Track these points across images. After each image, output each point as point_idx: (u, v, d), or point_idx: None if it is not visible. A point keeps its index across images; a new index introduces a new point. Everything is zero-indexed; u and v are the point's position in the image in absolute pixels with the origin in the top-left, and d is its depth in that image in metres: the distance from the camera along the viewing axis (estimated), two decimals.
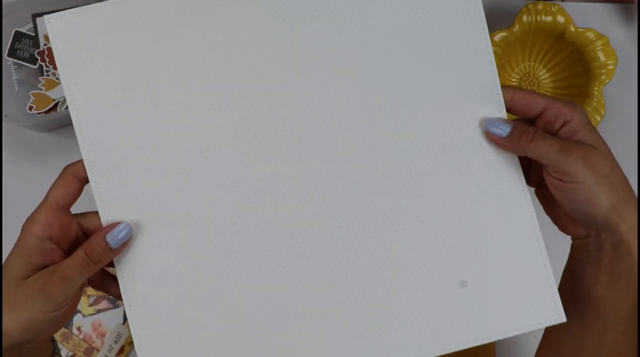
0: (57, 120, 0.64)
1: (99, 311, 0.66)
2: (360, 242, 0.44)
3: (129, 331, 0.65)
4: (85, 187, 0.43)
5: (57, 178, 0.41)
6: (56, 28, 0.44)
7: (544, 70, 0.65)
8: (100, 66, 0.44)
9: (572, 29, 0.62)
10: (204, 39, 0.44)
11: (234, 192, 0.44)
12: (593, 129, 0.40)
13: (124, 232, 0.40)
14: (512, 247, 0.43)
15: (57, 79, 0.64)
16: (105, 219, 0.42)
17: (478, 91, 0.43)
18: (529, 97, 0.41)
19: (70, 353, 0.64)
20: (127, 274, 0.43)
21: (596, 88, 0.61)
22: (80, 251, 0.39)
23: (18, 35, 0.65)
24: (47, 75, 0.64)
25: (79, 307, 0.65)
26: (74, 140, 0.71)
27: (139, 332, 0.43)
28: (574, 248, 0.43)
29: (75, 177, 0.41)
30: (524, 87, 0.65)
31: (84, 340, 0.65)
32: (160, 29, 0.44)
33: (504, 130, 0.41)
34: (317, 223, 0.44)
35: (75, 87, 0.44)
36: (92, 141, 0.43)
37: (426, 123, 0.43)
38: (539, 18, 0.62)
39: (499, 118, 0.42)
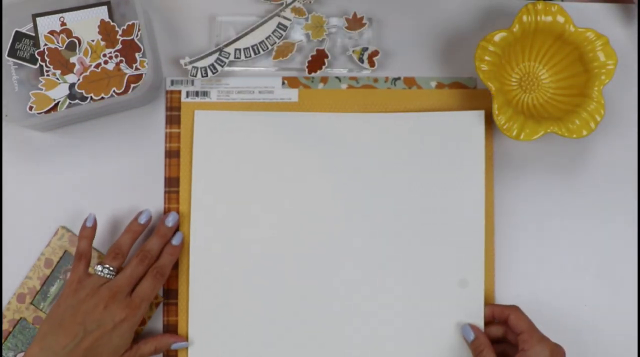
0: (57, 120, 0.64)
1: None
2: None
3: None
4: None
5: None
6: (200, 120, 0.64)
7: (544, 70, 0.65)
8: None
9: (571, 29, 0.62)
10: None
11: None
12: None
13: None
14: None
15: (57, 78, 0.64)
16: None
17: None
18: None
19: None
20: None
21: (596, 88, 0.61)
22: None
23: (18, 35, 0.65)
24: (47, 75, 0.64)
25: None
26: (74, 140, 0.70)
27: None
28: None
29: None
30: (523, 88, 0.65)
31: None
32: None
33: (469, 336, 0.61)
34: None
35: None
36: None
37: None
38: (538, 18, 0.62)
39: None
